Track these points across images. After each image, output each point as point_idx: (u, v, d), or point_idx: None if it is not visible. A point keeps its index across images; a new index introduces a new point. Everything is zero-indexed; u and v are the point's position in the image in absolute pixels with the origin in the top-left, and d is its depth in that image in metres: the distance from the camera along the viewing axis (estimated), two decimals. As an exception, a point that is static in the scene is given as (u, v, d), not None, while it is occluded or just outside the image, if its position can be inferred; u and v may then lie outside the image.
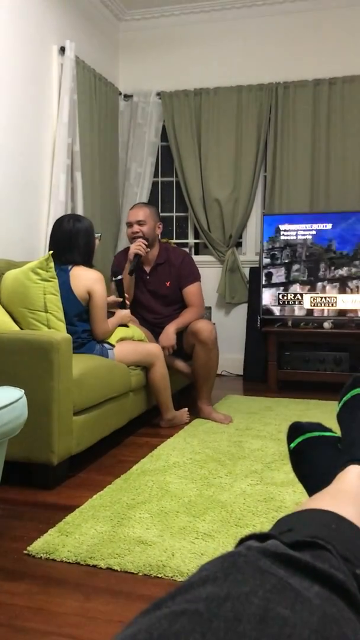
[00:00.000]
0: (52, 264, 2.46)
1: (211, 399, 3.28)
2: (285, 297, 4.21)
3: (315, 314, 4.16)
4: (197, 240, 5.03)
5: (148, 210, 3.31)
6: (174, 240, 4.93)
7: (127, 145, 4.87)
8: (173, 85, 4.78)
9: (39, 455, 2.13)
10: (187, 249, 4.97)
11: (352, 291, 4.09)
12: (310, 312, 4.17)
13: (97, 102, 4.38)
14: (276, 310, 4.23)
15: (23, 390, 1.57)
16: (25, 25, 3.52)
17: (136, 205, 3.40)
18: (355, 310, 4.08)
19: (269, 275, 4.23)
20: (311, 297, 4.16)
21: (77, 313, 2.69)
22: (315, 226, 4.16)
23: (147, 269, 3.36)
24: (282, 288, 4.21)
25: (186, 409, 3.17)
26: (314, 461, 1.12)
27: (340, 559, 0.53)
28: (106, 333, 2.81)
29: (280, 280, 4.22)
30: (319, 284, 4.15)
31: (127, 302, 3.16)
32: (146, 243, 3.24)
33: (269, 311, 4.24)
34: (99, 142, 4.40)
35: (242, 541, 0.55)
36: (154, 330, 3.30)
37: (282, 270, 4.22)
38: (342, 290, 4.11)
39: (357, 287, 4.09)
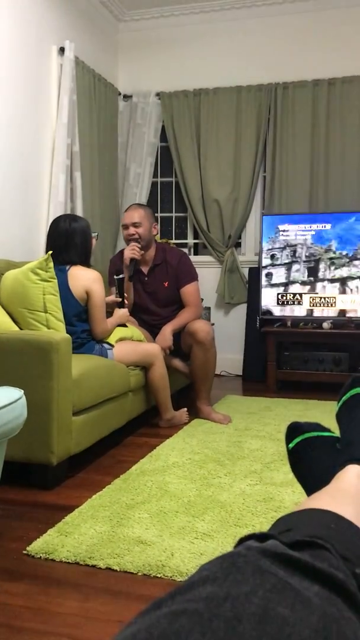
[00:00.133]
0: (51, 264, 2.46)
1: (210, 399, 3.28)
2: (284, 298, 4.21)
3: (315, 314, 4.16)
4: (196, 241, 5.03)
5: (143, 212, 3.30)
6: (173, 241, 4.93)
7: (127, 145, 4.87)
8: (172, 86, 4.78)
9: (38, 456, 2.13)
10: (186, 249, 4.97)
11: (351, 291, 4.09)
12: (309, 312, 4.17)
13: (97, 103, 4.38)
14: (275, 311, 4.23)
15: (22, 391, 1.57)
16: (24, 26, 3.52)
17: (131, 206, 3.38)
18: (355, 311, 4.08)
19: (269, 276, 4.23)
20: (310, 298, 4.16)
21: (76, 313, 2.69)
22: (315, 226, 4.16)
23: (145, 270, 3.35)
24: (282, 288, 4.21)
25: (185, 409, 3.17)
26: (312, 461, 1.12)
27: (339, 558, 0.53)
28: (105, 332, 2.80)
29: (280, 281, 4.22)
30: (319, 284, 4.15)
31: (126, 302, 3.15)
32: (139, 246, 3.22)
33: (268, 311, 4.24)
34: (98, 142, 4.40)
35: (241, 541, 0.55)
36: (153, 331, 3.30)
37: (282, 271, 4.22)
38: (342, 290, 4.11)
39: (357, 287, 4.09)
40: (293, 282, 4.19)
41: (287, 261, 4.20)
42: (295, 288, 4.19)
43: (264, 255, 4.25)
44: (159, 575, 1.52)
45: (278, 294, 4.22)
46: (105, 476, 2.29)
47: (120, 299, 3.08)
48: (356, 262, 4.09)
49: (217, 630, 0.39)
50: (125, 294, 3.14)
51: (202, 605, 0.41)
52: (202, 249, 5.05)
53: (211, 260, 4.82)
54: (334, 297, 4.11)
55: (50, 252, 2.51)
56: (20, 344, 2.15)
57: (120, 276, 3.10)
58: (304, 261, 4.17)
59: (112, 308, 3.04)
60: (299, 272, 4.17)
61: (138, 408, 2.99)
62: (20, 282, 2.46)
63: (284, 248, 4.20)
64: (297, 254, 4.18)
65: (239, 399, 3.79)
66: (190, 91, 4.73)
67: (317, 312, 4.15)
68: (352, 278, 4.09)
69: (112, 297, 3.09)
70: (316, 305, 4.15)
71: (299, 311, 4.18)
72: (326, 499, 0.79)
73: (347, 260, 4.10)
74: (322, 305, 4.14)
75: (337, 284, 4.12)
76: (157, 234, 3.53)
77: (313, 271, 4.16)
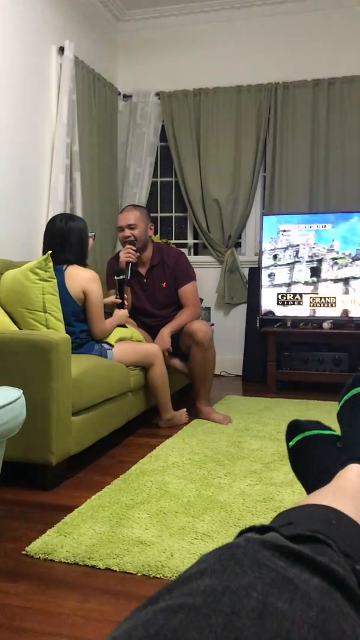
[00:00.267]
0: (50, 264, 2.46)
1: (210, 399, 3.28)
2: (284, 298, 4.20)
3: (315, 314, 4.15)
4: (196, 241, 5.02)
5: (138, 213, 3.26)
6: (173, 241, 4.93)
7: (126, 145, 4.87)
8: (172, 86, 4.78)
9: (38, 456, 2.12)
10: (186, 250, 4.96)
11: (354, 291, 4.07)
12: (309, 312, 4.16)
13: (96, 102, 4.37)
14: (275, 311, 4.23)
15: (21, 390, 1.56)
16: (24, 25, 3.52)
17: (126, 208, 3.35)
18: (355, 310, 4.07)
19: (272, 276, 4.21)
20: (310, 298, 4.15)
21: (74, 313, 2.68)
22: (315, 226, 4.16)
23: (143, 271, 3.34)
24: (282, 288, 4.20)
25: (184, 409, 3.16)
26: (313, 460, 1.11)
27: (340, 554, 0.52)
28: (104, 332, 2.79)
29: (281, 281, 4.21)
30: (320, 285, 4.14)
31: (126, 303, 3.15)
32: (134, 249, 3.19)
33: (270, 312, 4.23)
34: (98, 142, 4.40)
35: (241, 533, 0.54)
36: (152, 333, 3.29)
37: (283, 271, 4.21)
38: (344, 290, 4.09)
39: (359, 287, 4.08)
40: (296, 283, 4.18)
41: (290, 261, 4.19)
42: (296, 288, 4.17)
43: (266, 255, 4.24)
44: (158, 576, 1.51)
45: (278, 294, 4.21)
46: (105, 476, 2.28)
47: (120, 300, 3.07)
48: (359, 262, 4.07)
49: (215, 626, 0.38)
50: (125, 295, 3.13)
51: (199, 600, 0.40)
52: (202, 249, 5.04)
53: (211, 261, 4.82)
54: (334, 297, 4.10)
55: (50, 251, 2.50)
56: (19, 343, 2.15)
57: (121, 277, 3.10)
58: (307, 261, 4.16)
59: (112, 309, 3.03)
60: (302, 272, 4.16)
61: (138, 408, 2.99)
62: (19, 281, 2.46)
63: (286, 248, 4.19)
64: (299, 254, 4.17)
65: (239, 399, 3.78)
66: (190, 91, 4.73)
67: (318, 312, 4.14)
68: (355, 278, 4.07)
69: (112, 299, 3.09)
70: (316, 305, 4.14)
71: (299, 311, 4.17)
72: (327, 497, 0.79)
73: (350, 260, 4.08)
74: (322, 305, 4.13)
75: (338, 284, 4.10)
76: (154, 234, 3.51)
77: (315, 271, 4.14)
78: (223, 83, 4.67)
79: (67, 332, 2.47)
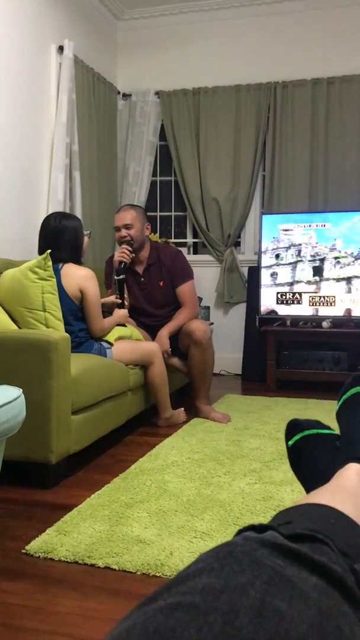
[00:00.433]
0: (50, 263, 2.46)
1: (209, 398, 3.28)
2: (284, 297, 4.20)
3: (314, 313, 4.15)
4: (195, 240, 5.03)
5: (134, 213, 3.25)
6: (173, 240, 4.93)
7: (126, 144, 4.87)
8: (171, 85, 4.78)
9: (37, 455, 2.12)
10: (185, 249, 4.96)
11: (357, 290, 4.06)
12: (310, 311, 4.16)
13: (96, 102, 4.37)
14: (275, 310, 4.22)
15: (21, 389, 1.56)
16: (23, 25, 3.52)
17: (122, 208, 3.34)
18: (356, 309, 4.07)
19: (274, 275, 4.20)
20: (310, 297, 4.15)
21: (72, 312, 2.67)
22: (314, 225, 4.16)
23: (140, 270, 3.33)
24: (284, 287, 4.20)
25: (182, 408, 3.16)
26: (312, 459, 1.12)
27: (338, 553, 0.53)
28: (103, 330, 2.79)
29: (284, 280, 4.20)
30: (323, 284, 4.13)
31: (126, 303, 3.14)
32: (130, 249, 3.17)
33: (273, 311, 4.22)
34: (97, 141, 4.40)
35: (240, 532, 0.54)
36: (151, 333, 3.28)
37: (285, 270, 4.21)
38: (347, 289, 4.08)
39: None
40: (298, 282, 4.17)
41: (292, 260, 4.18)
42: (297, 287, 4.16)
43: (269, 254, 4.23)
44: (157, 575, 1.51)
45: (278, 293, 4.20)
46: (105, 475, 2.29)
47: (119, 301, 3.07)
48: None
49: (213, 625, 0.38)
50: (125, 295, 3.13)
51: (198, 598, 0.41)
52: (202, 248, 5.04)
53: (210, 260, 4.82)
54: (333, 296, 4.10)
55: (49, 250, 2.50)
56: (19, 342, 2.15)
57: (121, 277, 3.09)
58: (309, 260, 4.15)
59: (112, 309, 3.03)
60: (304, 271, 4.15)
61: (137, 407, 2.99)
62: (18, 280, 2.46)
63: (288, 247, 4.18)
64: (302, 254, 4.16)
65: (238, 398, 3.79)
66: (189, 90, 4.73)
67: (317, 311, 4.14)
68: (357, 277, 4.07)
69: (112, 298, 3.08)
70: (316, 304, 4.14)
71: (299, 310, 4.17)
72: (326, 496, 0.79)
73: (353, 259, 4.08)
74: (322, 304, 4.13)
75: (343, 283, 4.09)
76: (153, 233, 3.51)
77: (318, 270, 4.13)
78: (222, 82, 4.67)
79: (66, 332, 2.47)
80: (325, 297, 4.12)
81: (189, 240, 5.03)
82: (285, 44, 4.58)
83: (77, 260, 2.77)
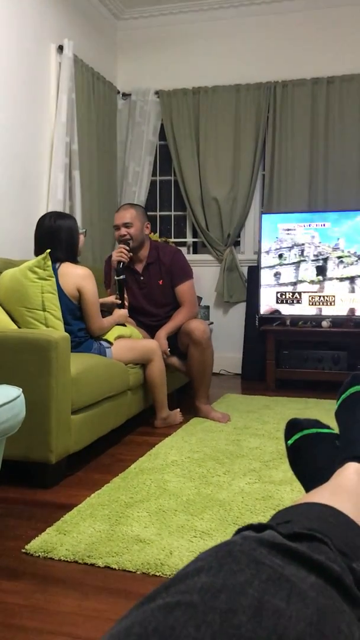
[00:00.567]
0: (49, 263, 2.46)
1: (209, 397, 3.28)
2: (284, 296, 4.20)
3: (314, 313, 4.15)
4: (195, 239, 5.03)
5: (134, 212, 3.24)
6: (172, 239, 4.93)
7: (126, 144, 4.87)
8: (171, 84, 4.78)
9: (37, 454, 2.13)
10: (185, 248, 4.96)
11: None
12: (309, 311, 4.16)
13: (95, 101, 4.37)
14: (274, 309, 4.22)
15: (21, 389, 1.56)
16: (23, 24, 3.52)
17: (122, 207, 3.34)
18: (355, 309, 4.07)
19: (277, 275, 4.20)
20: (310, 296, 4.15)
21: (70, 311, 2.66)
22: (314, 225, 4.15)
23: (140, 268, 3.33)
24: (287, 287, 4.19)
25: (178, 409, 3.16)
26: (311, 458, 1.12)
27: (337, 552, 0.53)
28: (102, 329, 2.79)
29: (287, 280, 4.20)
30: (324, 284, 4.12)
31: (126, 303, 3.14)
32: (127, 248, 3.17)
33: (277, 310, 4.22)
34: (97, 141, 4.40)
35: (239, 532, 0.54)
36: (151, 332, 3.28)
37: (288, 270, 4.20)
38: (350, 289, 4.08)
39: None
40: (301, 282, 4.16)
41: (295, 260, 4.17)
42: (303, 287, 4.15)
43: (272, 254, 4.22)
44: (157, 574, 1.51)
45: (277, 292, 4.20)
46: (104, 475, 2.29)
47: (119, 301, 3.07)
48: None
49: (212, 623, 0.38)
50: (125, 295, 3.13)
51: (196, 597, 0.41)
52: (201, 247, 5.04)
53: (210, 259, 4.82)
54: (333, 296, 4.10)
55: (49, 250, 2.50)
56: (18, 342, 2.15)
57: (122, 277, 3.09)
58: (312, 260, 4.15)
59: (112, 309, 3.03)
60: (308, 271, 4.15)
61: (137, 406, 2.99)
62: (18, 280, 2.46)
63: (291, 247, 4.18)
64: (304, 253, 4.15)
65: (238, 398, 3.79)
66: (189, 89, 4.73)
67: (317, 311, 4.14)
68: (359, 277, 4.06)
69: (112, 298, 3.08)
70: (316, 304, 4.14)
71: (298, 310, 4.17)
72: (325, 495, 0.79)
73: (356, 258, 4.07)
74: (321, 303, 4.13)
75: (347, 282, 4.09)
76: (153, 233, 3.50)
77: (322, 270, 4.13)
78: (222, 81, 4.67)
79: (66, 331, 2.47)
80: (326, 297, 4.12)
81: (189, 239, 5.03)
82: (285, 44, 4.58)
83: (74, 259, 2.76)
